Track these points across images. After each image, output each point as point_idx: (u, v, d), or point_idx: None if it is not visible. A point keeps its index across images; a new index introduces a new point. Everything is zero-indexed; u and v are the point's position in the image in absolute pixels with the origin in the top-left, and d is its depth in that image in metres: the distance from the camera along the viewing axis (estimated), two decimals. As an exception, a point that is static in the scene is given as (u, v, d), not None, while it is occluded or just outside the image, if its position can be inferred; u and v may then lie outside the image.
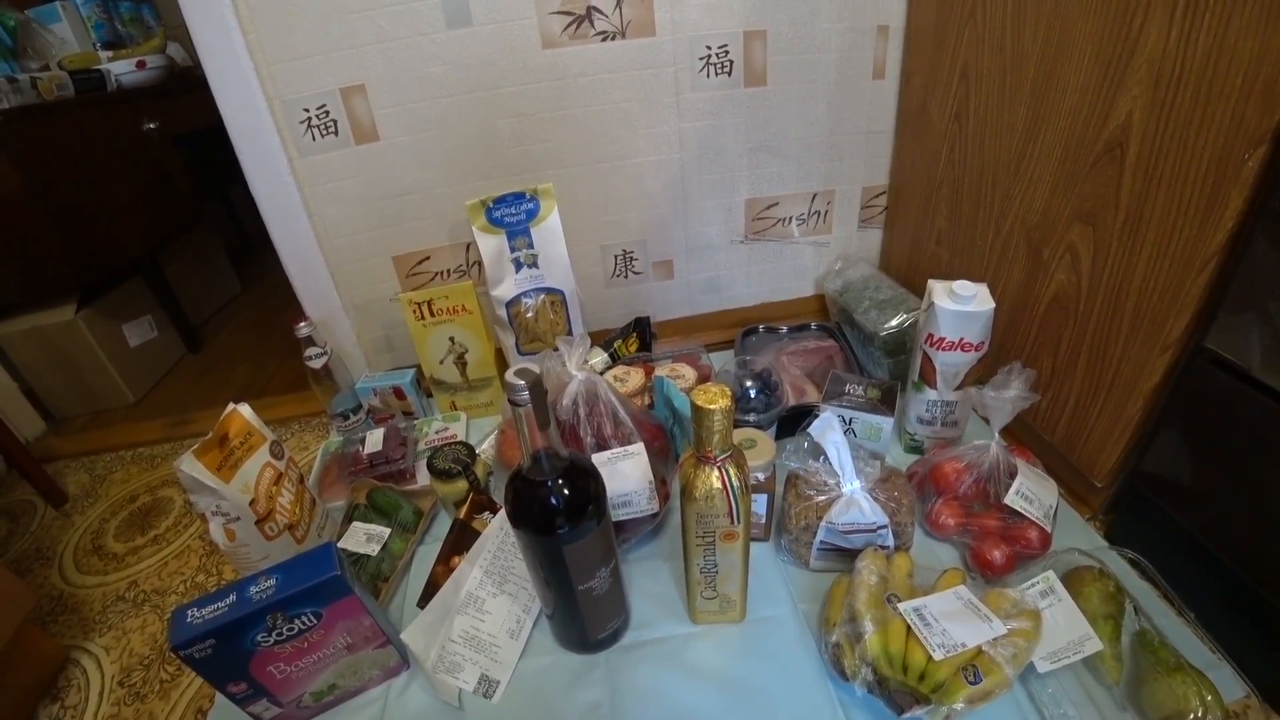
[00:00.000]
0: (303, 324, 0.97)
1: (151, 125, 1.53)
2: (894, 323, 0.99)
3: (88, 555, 1.00)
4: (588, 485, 0.59)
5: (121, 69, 1.51)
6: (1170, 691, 0.59)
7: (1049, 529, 0.73)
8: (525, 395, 0.50)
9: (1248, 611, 0.64)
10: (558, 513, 0.58)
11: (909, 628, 0.61)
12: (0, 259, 1.24)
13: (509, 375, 0.50)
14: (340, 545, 0.81)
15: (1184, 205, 0.64)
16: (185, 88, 1.64)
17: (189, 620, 0.58)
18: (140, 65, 1.55)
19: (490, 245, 0.99)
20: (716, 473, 0.56)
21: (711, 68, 1.03)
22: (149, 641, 0.84)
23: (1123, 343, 0.74)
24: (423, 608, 0.74)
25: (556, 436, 0.56)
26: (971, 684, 0.58)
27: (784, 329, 1.14)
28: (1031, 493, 0.73)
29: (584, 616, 0.66)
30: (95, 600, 0.92)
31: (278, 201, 1.03)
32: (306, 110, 0.98)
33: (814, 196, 1.18)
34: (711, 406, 0.51)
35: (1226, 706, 0.59)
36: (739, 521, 0.59)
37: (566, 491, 0.58)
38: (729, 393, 0.52)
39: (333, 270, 1.10)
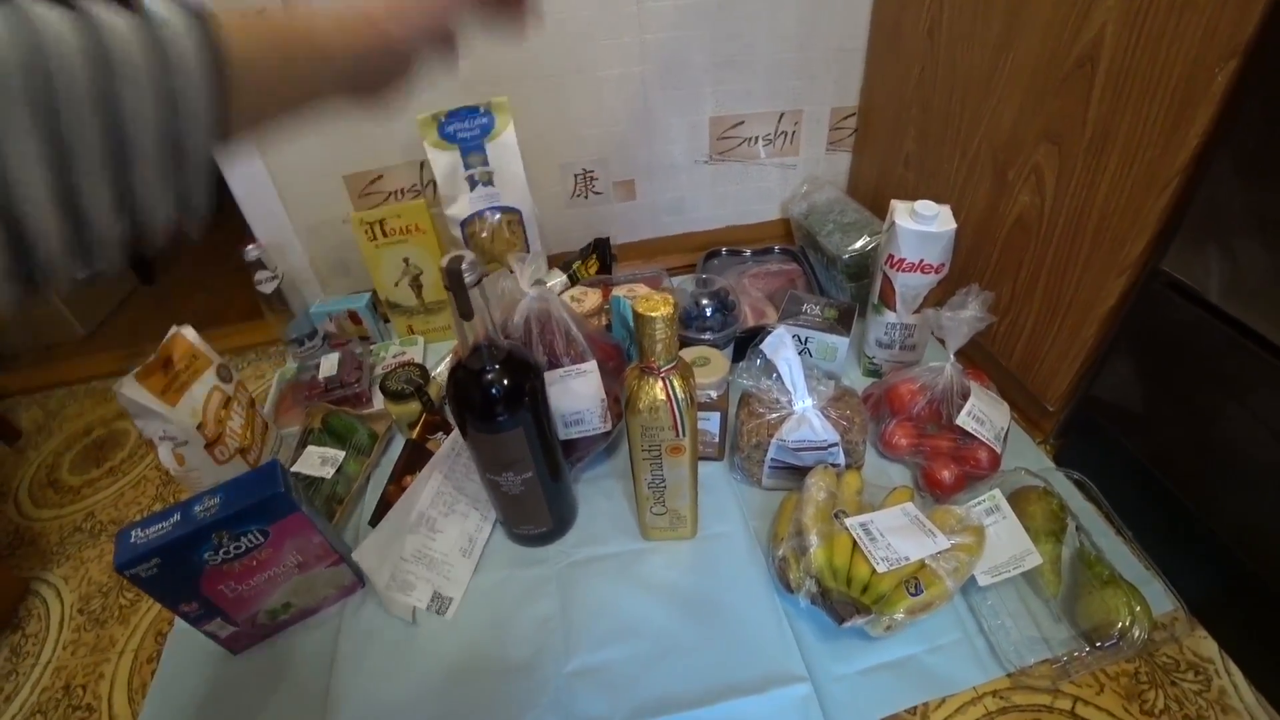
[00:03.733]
0: (250, 247, 0.93)
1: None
2: (857, 245, 0.98)
3: (43, 489, 0.99)
4: (524, 373, 0.61)
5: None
6: (1102, 603, 0.61)
7: (999, 450, 0.74)
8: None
9: (1183, 531, 0.66)
10: (496, 401, 0.59)
11: (854, 542, 0.62)
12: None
13: (444, 260, 0.51)
14: (294, 469, 0.80)
15: (1150, 123, 0.62)
16: None
17: (133, 540, 0.57)
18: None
19: (443, 162, 0.95)
20: (660, 384, 0.55)
21: (676, -26, 0.97)
22: (107, 570, 0.84)
23: (1081, 265, 0.73)
24: (375, 526, 0.73)
25: (485, 326, 0.56)
26: (913, 595, 0.60)
27: (747, 252, 1.12)
28: (983, 414, 0.74)
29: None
30: (52, 532, 0.91)
31: (218, 116, 0.97)
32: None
33: (781, 116, 1.14)
34: (653, 314, 0.50)
35: (1156, 618, 0.61)
36: (684, 435, 0.58)
37: (504, 378, 0.59)
38: (671, 300, 0.51)
39: (280, 190, 1.05)
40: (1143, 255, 0.67)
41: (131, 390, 0.73)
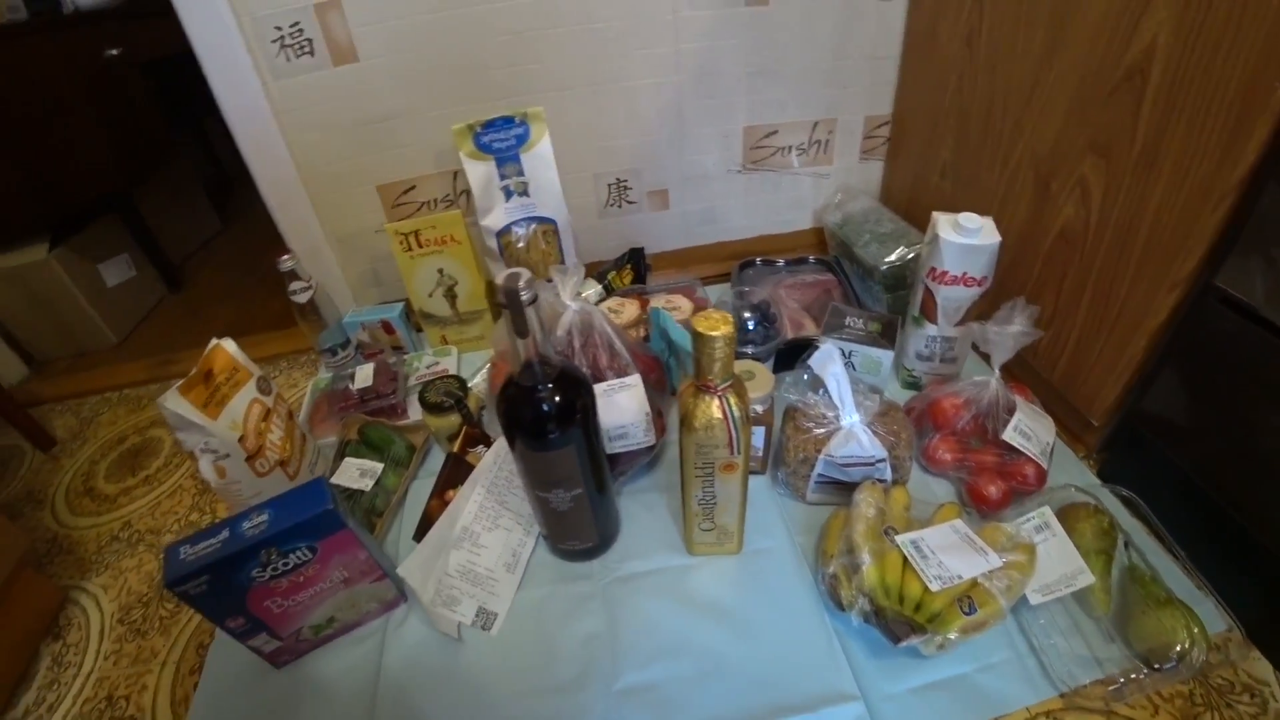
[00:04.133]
0: (285, 258, 0.94)
1: (114, 52, 1.44)
2: (894, 256, 0.97)
3: (79, 497, 0.99)
4: (575, 391, 0.61)
5: (79, -10, 1.42)
6: (1159, 624, 0.60)
7: (1046, 466, 0.73)
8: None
9: (1234, 547, 0.65)
10: (549, 418, 0.59)
11: (905, 560, 0.61)
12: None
13: (499, 277, 0.52)
14: (333, 481, 0.80)
15: (1205, 136, 0.61)
16: (150, 11, 1.54)
17: (182, 557, 0.57)
18: (99, -14, 1.45)
19: (479, 172, 0.95)
20: (717, 402, 0.55)
21: (711, -16, 0.97)
22: (146, 580, 0.84)
23: (1129, 280, 0.72)
24: (418, 542, 0.73)
25: (536, 344, 0.56)
26: (966, 614, 0.59)
27: (781, 262, 1.12)
28: (1029, 429, 0.73)
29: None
30: (89, 541, 0.91)
31: (253, 128, 0.98)
32: (279, 29, 0.92)
33: (815, 125, 1.14)
34: (714, 333, 0.50)
35: (1211, 639, 0.60)
36: (739, 452, 0.58)
37: (555, 396, 0.59)
38: (730, 320, 0.50)
39: (314, 201, 1.06)
40: (1195, 270, 0.65)
41: (174, 403, 0.73)
